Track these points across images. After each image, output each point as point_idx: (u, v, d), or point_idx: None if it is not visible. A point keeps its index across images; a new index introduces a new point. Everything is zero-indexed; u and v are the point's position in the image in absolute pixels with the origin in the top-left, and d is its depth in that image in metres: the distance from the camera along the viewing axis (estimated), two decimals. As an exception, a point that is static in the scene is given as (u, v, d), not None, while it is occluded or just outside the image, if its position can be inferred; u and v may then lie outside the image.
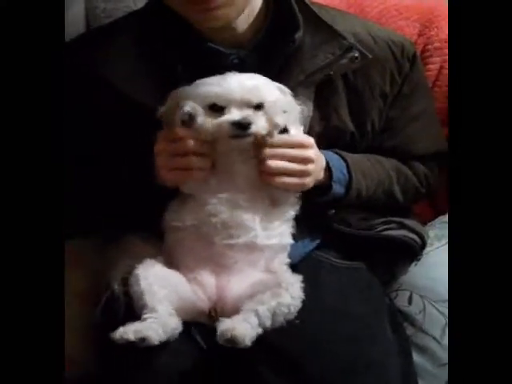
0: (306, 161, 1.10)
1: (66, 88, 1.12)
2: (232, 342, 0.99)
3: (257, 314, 1.03)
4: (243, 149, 1.09)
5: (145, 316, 1.04)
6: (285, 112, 1.09)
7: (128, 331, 1.00)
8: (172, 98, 1.10)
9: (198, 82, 1.09)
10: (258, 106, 1.07)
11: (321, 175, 1.15)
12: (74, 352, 1.13)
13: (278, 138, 1.09)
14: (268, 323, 1.04)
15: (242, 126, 1.04)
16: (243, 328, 1.01)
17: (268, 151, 1.08)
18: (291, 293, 1.06)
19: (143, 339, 1.00)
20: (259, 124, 1.06)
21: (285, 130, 1.09)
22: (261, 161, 1.09)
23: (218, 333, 1.00)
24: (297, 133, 1.12)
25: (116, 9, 1.45)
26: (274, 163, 1.08)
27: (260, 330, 1.03)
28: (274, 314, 1.04)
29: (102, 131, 1.19)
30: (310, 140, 1.12)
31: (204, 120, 1.06)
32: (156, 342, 1.01)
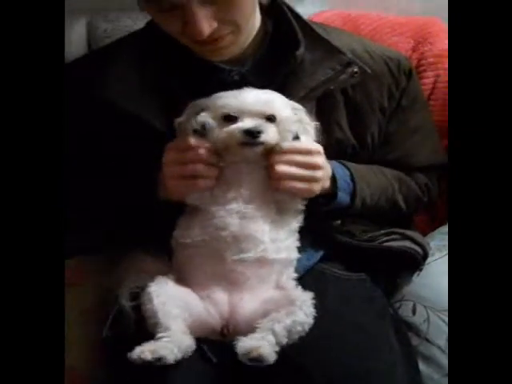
0: (314, 167, 1.11)
1: (67, 108, 1.13)
2: (257, 360, 0.99)
3: (274, 333, 1.04)
4: (252, 159, 1.10)
5: (159, 335, 1.03)
6: (297, 128, 1.12)
7: (145, 351, 1.00)
8: (189, 108, 1.12)
9: (215, 94, 1.11)
10: (270, 119, 1.09)
11: (326, 184, 1.16)
12: (83, 367, 1.13)
13: (287, 144, 1.10)
14: (284, 341, 1.04)
15: (252, 134, 1.06)
16: (267, 346, 1.01)
17: (277, 157, 1.10)
18: (305, 311, 1.07)
19: (159, 359, 1.00)
20: (270, 134, 1.07)
21: (296, 138, 1.11)
22: (269, 166, 1.10)
23: (241, 351, 1.00)
24: (306, 140, 1.13)
25: (116, 29, 1.47)
26: (282, 168, 1.10)
27: (277, 348, 1.03)
28: (289, 332, 1.05)
29: (104, 150, 1.19)
30: (319, 147, 1.13)
31: (217, 130, 1.08)
32: (172, 361, 1.01)
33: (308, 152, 1.11)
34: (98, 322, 1.12)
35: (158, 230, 1.14)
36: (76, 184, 1.18)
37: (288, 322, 1.05)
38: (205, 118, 1.09)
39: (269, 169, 1.10)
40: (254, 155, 1.09)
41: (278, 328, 1.04)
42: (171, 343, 1.02)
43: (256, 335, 1.03)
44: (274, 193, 1.12)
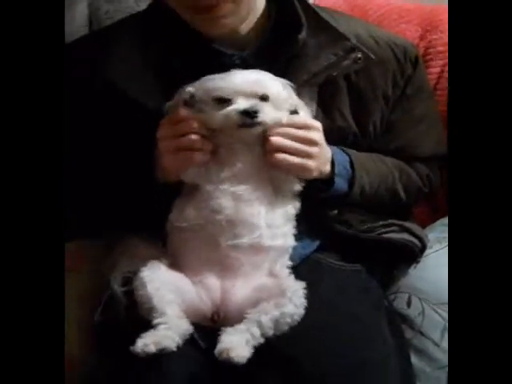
0: (310, 142, 1.10)
1: (68, 89, 1.13)
2: (228, 361, 0.99)
3: (259, 325, 1.03)
4: (249, 141, 1.09)
5: (155, 321, 1.03)
6: (290, 105, 1.11)
7: (148, 343, 0.99)
8: (179, 93, 1.12)
9: (202, 78, 1.10)
10: (264, 98, 1.08)
11: (326, 168, 1.15)
12: (77, 352, 1.13)
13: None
14: (270, 333, 1.04)
15: (249, 114, 1.05)
16: (241, 346, 1.00)
17: (273, 129, 1.09)
18: (295, 302, 1.06)
19: (163, 349, 0.99)
20: (267, 113, 1.06)
21: (294, 112, 1.10)
22: (265, 139, 1.09)
23: (217, 348, 1.00)
24: (305, 115, 1.12)
25: (118, 10, 1.46)
26: (277, 139, 1.08)
27: (262, 340, 1.03)
28: (276, 324, 1.04)
29: (103, 131, 1.19)
30: (317, 123, 1.12)
31: (211, 112, 1.07)
32: (174, 349, 1.01)
33: (305, 126, 1.10)
34: (92, 308, 1.12)
35: (153, 214, 1.13)
36: (74, 170, 1.18)
37: (276, 313, 1.04)
38: (192, 89, 1.08)
39: (265, 142, 1.09)
40: (252, 137, 1.08)
41: (265, 320, 1.03)
42: (170, 330, 1.02)
43: (241, 327, 1.03)
44: (269, 170, 1.10)
